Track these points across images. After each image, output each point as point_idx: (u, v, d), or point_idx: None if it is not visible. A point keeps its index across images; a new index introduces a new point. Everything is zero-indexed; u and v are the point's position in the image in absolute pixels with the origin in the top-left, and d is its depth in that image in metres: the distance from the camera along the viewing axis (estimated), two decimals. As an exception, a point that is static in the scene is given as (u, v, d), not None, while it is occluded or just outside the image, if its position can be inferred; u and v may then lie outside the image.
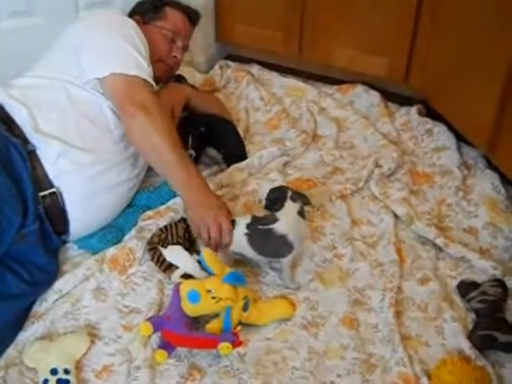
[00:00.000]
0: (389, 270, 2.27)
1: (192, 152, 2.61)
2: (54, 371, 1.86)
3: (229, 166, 2.68)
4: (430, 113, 3.03)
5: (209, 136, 2.71)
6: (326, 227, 2.44)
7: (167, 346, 1.94)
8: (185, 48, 2.75)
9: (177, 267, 2.17)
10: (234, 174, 2.65)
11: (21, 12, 2.90)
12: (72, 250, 2.30)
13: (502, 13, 2.33)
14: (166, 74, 2.68)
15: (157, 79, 2.57)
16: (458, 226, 2.50)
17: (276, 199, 2.20)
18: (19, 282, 2.04)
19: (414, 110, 3.06)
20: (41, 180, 2.13)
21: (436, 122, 2.96)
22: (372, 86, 3.21)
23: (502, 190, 2.60)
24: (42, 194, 2.12)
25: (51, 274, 2.17)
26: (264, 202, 2.28)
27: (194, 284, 2.00)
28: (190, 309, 1.95)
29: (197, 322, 2.01)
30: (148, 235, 2.30)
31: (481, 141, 2.64)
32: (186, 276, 2.14)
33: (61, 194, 2.16)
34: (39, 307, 2.09)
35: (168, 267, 2.19)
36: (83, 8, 2.96)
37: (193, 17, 2.79)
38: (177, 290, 1.99)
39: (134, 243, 2.27)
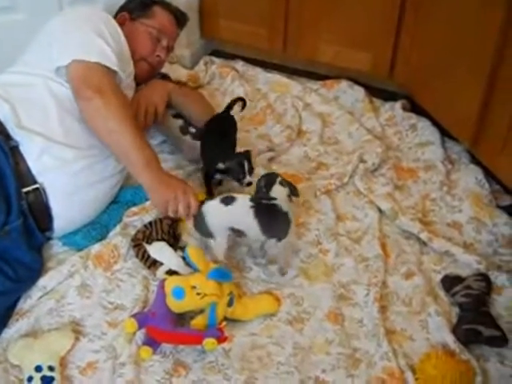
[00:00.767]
0: (373, 264, 2.28)
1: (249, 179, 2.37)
2: (38, 368, 1.86)
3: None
4: (415, 108, 3.04)
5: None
6: (311, 223, 2.44)
7: (152, 342, 1.94)
8: (170, 49, 2.74)
9: (161, 263, 2.17)
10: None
11: (4, 8, 2.88)
12: (56, 247, 2.30)
13: (486, 9, 2.34)
14: (148, 74, 2.67)
15: (139, 78, 2.57)
16: (442, 221, 2.51)
17: (266, 184, 2.22)
18: (3, 279, 2.03)
19: (398, 105, 3.06)
20: (24, 176, 2.12)
21: (420, 117, 2.97)
22: (357, 82, 3.21)
23: (485, 184, 2.61)
24: (25, 190, 2.12)
25: (35, 270, 2.16)
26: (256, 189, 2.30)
27: (179, 280, 2.00)
28: (175, 305, 1.96)
29: (182, 318, 2.02)
30: (133, 232, 2.30)
31: (465, 136, 2.65)
32: (171, 272, 2.14)
33: (44, 190, 2.15)
34: (23, 304, 2.08)
35: (153, 263, 2.19)
36: (67, 4, 2.93)
37: (180, 19, 2.78)
38: (162, 287, 1.99)
39: (118, 240, 2.27)
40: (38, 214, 2.17)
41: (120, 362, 1.92)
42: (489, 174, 2.63)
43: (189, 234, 2.33)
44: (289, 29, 3.14)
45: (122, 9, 2.68)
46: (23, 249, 2.13)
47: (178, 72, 3.17)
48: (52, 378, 1.85)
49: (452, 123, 2.72)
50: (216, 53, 3.51)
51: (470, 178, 2.64)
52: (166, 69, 2.95)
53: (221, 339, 1.90)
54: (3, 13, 2.88)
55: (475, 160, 2.71)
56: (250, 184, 2.32)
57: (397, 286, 2.23)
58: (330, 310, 2.12)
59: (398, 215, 2.47)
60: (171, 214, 2.22)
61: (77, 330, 2.02)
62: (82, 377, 1.90)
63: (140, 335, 1.97)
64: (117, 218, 2.38)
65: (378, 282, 2.20)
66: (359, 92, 3.17)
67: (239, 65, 3.40)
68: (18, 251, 2.11)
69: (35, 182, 2.13)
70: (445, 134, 2.86)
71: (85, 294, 2.13)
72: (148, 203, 2.40)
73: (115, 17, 2.57)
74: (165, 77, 2.91)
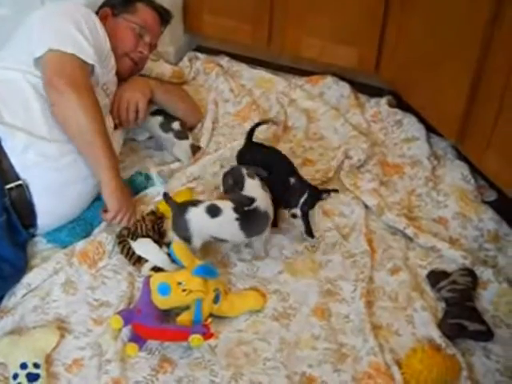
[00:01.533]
0: (361, 260, 2.28)
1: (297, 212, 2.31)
2: (23, 365, 1.85)
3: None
4: (400, 104, 3.04)
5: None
6: (297, 219, 2.43)
7: (138, 339, 1.94)
8: (153, 46, 2.72)
9: (146, 260, 2.16)
10: (206, 166, 2.64)
11: (-13, 3, 2.86)
12: (41, 244, 2.28)
13: (472, 3, 2.34)
14: (131, 70, 2.64)
15: (122, 74, 2.55)
16: (427, 216, 2.51)
17: (235, 181, 2.22)
18: (-13, 277, 2.02)
19: (383, 101, 3.06)
20: (7, 172, 2.11)
21: (406, 113, 2.97)
22: (342, 78, 3.20)
23: (471, 180, 2.62)
24: (8, 186, 2.11)
25: (20, 268, 2.15)
26: (221, 187, 2.31)
27: (165, 277, 2.00)
28: (161, 301, 1.95)
29: (167, 315, 2.01)
30: (118, 228, 2.29)
31: (450, 131, 2.66)
32: (156, 269, 2.13)
33: (27, 186, 2.14)
34: (8, 302, 2.07)
35: (138, 260, 2.18)
36: (49, -1, 2.92)
37: (164, 16, 2.75)
38: (147, 283, 1.99)
39: (103, 236, 2.26)
40: (22, 211, 2.15)
41: (106, 359, 1.91)
42: (474, 170, 2.64)
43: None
44: (273, 24, 3.13)
45: (104, 4, 2.66)
46: (7, 246, 2.11)
47: (162, 68, 3.15)
48: (37, 375, 1.84)
49: (438, 119, 2.72)
50: (200, 48, 3.49)
51: (455, 173, 2.65)
52: (150, 66, 2.94)
53: (207, 335, 1.90)
54: (-15, 8, 2.86)
55: (461, 156, 2.72)
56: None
57: (383, 282, 2.23)
58: (316, 306, 2.12)
59: (383, 211, 2.47)
60: (115, 223, 2.27)
61: (62, 327, 2.01)
62: (68, 374, 1.89)
63: (126, 332, 1.96)
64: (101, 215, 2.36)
65: (364, 278, 2.21)
66: (344, 88, 3.16)
67: (224, 61, 3.38)
68: (2, 248, 2.10)
69: (18, 179, 2.12)
70: (430, 129, 2.86)
71: (70, 291, 2.12)
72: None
73: (97, 12, 2.54)
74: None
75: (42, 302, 2.09)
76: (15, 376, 1.83)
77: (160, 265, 2.14)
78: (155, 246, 2.18)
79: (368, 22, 2.88)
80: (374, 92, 3.16)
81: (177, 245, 2.07)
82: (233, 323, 2.06)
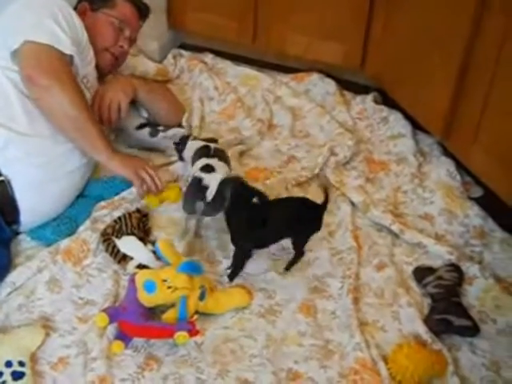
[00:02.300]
0: (347, 257, 2.28)
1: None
2: (8, 364, 1.84)
3: None
4: (386, 101, 3.04)
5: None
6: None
7: (124, 336, 1.93)
8: (132, 41, 2.70)
9: (131, 258, 2.15)
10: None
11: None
12: (25, 243, 2.27)
13: (458, 0, 2.35)
14: (112, 64, 2.63)
15: (103, 69, 2.54)
16: (413, 213, 2.52)
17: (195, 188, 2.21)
18: (-29, 276, 2.01)
19: (369, 98, 3.06)
20: None
21: (392, 109, 2.97)
22: (328, 75, 3.20)
23: (457, 176, 2.62)
24: None
25: (3, 266, 2.13)
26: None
27: (150, 274, 1.99)
28: (147, 299, 1.94)
29: (153, 313, 2.00)
30: (102, 226, 2.28)
31: (436, 128, 2.66)
32: (142, 266, 2.13)
33: (9, 182, 2.12)
34: (-8, 300, 2.06)
35: (123, 258, 2.17)
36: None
37: (143, 10, 2.73)
38: (132, 281, 1.98)
39: (88, 234, 2.25)
40: (4, 207, 2.14)
41: (91, 357, 1.89)
42: (460, 166, 2.64)
43: (159, 227, 2.33)
44: (258, 21, 3.12)
45: None
46: (-10, 243, 2.10)
47: (146, 66, 3.14)
48: (23, 374, 1.83)
49: (423, 116, 2.73)
50: (185, 45, 3.47)
51: (441, 170, 2.65)
52: (130, 61, 2.92)
53: (192, 333, 1.89)
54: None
55: (447, 152, 2.72)
56: None
57: (369, 278, 2.23)
58: (302, 303, 2.12)
59: (369, 208, 2.48)
60: (150, 185, 2.32)
61: (47, 325, 1.99)
62: (54, 372, 1.88)
63: (111, 330, 1.95)
64: (86, 212, 2.35)
65: (351, 274, 2.21)
66: (330, 85, 3.15)
67: (208, 58, 3.36)
68: (-15, 246, 2.09)
69: (0, 175, 2.11)
70: (416, 126, 2.86)
71: (54, 290, 2.11)
72: (117, 198, 2.39)
73: (75, 8, 2.52)
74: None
75: (27, 300, 2.07)
76: (0, 374, 1.82)
77: (145, 262, 2.13)
78: (140, 244, 2.17)
79: (353, 18, 2.88)
80: (360, 89, 3.16)
81: (162, 242, 2.07)
82: (219, 320, 2.05)
